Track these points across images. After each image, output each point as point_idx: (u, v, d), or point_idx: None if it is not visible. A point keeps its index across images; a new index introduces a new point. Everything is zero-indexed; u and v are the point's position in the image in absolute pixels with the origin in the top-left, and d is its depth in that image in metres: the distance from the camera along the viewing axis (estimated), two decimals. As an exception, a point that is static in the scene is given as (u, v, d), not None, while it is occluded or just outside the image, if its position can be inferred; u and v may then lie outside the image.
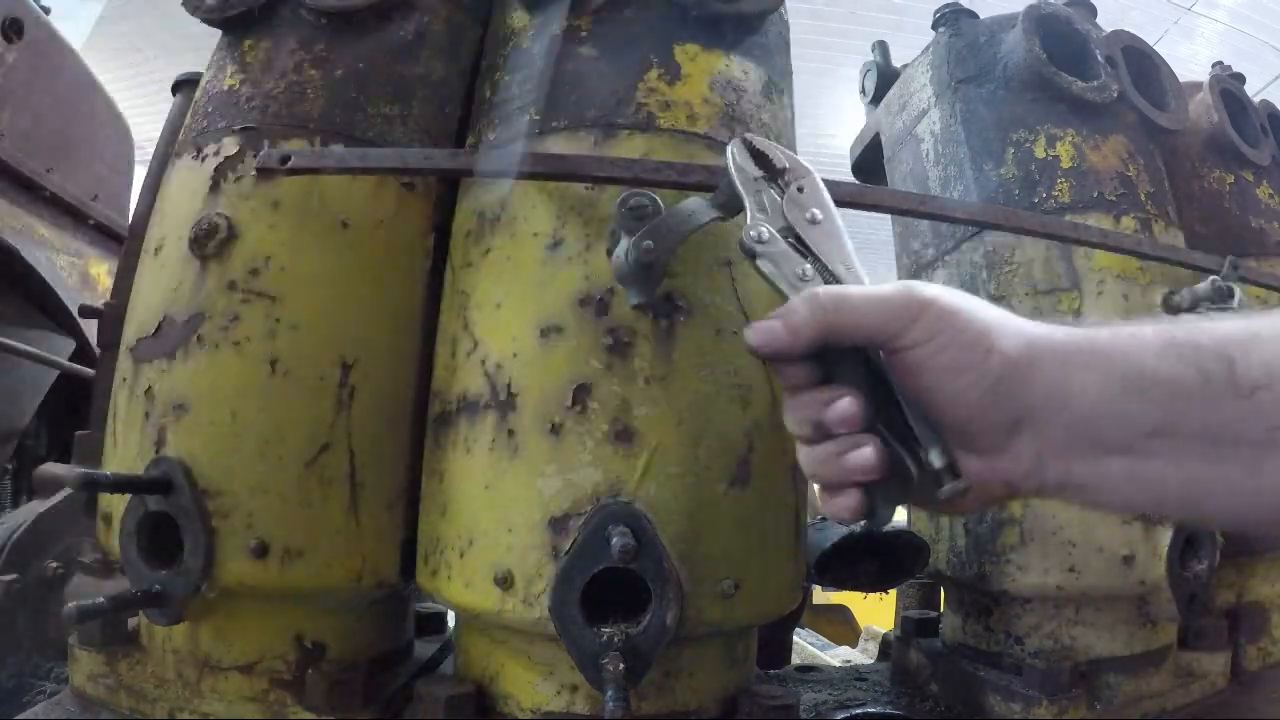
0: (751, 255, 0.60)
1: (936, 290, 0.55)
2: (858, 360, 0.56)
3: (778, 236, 0.61)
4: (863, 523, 0.59)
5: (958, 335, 0.52)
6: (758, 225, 0.61)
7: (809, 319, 0.55)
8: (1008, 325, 0.53)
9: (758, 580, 0.79)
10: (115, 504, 0.84)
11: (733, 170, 0.64)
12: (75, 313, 1.83)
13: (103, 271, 2.08)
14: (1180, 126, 1.24)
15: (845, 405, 0.53)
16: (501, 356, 0.80)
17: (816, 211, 0.62)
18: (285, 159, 0.79)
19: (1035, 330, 0.54)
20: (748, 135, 0.65)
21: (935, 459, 0.53)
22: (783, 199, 0.62)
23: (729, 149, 0.65)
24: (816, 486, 0.59)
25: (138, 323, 0.87)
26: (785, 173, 0.64)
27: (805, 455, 0.56)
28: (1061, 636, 1.02)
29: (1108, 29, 1.24)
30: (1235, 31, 7.05)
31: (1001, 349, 0.52)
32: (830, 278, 0.59)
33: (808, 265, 0.59)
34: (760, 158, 0.65)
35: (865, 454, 0.52)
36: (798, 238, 0.61)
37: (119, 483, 0.78)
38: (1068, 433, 0.52)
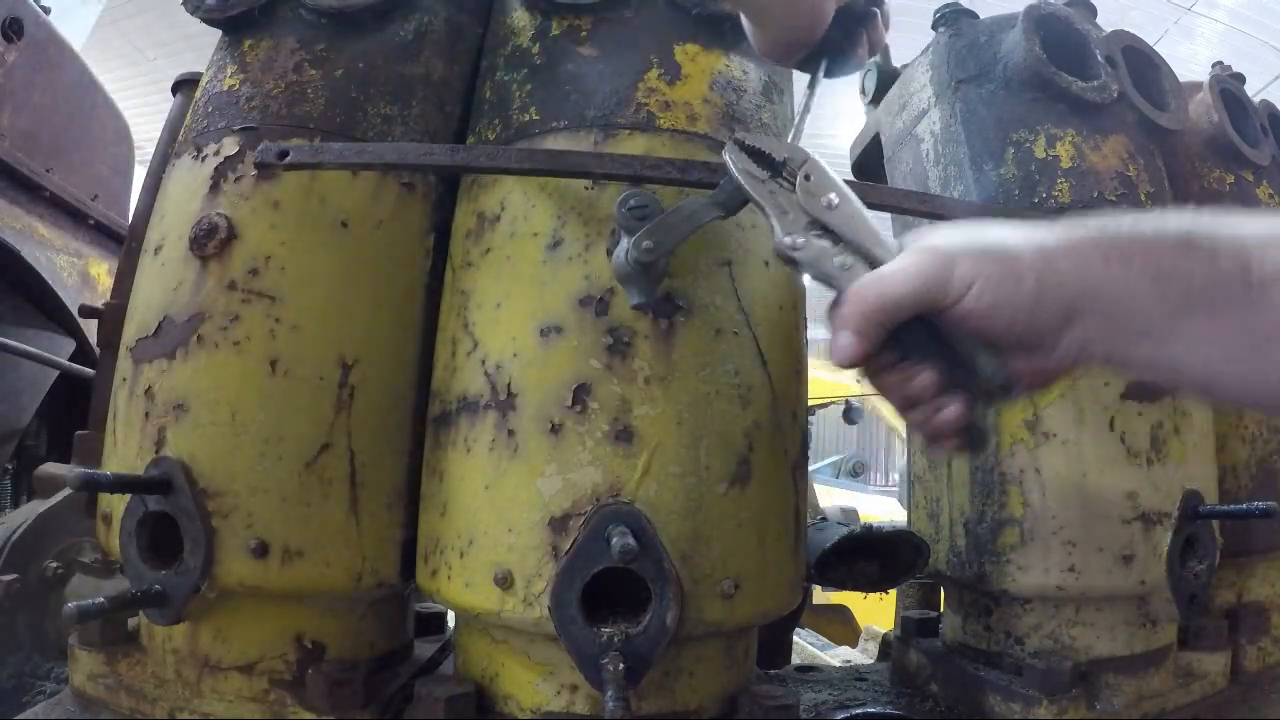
0: (792, 263, 0.62)
1: (955, 239, 0.59)
2: (918, 326, 0.59)
3: (809, 237, 0.62)
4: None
5: (988, 279, 0.57)
6: (788, 233, 0.62)
7: (863, 316, 0.59)
8: (1027, 246, 0.58)
9: (758, 580, 0.79)
10: (115, 504, 0.84)
11: (739, 177, 0.64)
12: (75, 313, 1.83)
13: (103, 271, 2.08)
14: (1180, 126, 1.24)
15: (923, 379, 0.61)
16: (501, 356, 0.80)
17: (832, 196, 0.63)
18: (283, 154, 0.79)
19: (1052, 240, 0.58)
20: (738, 137, 0.65)
21: (1003, 388, 0.60)
22: (796, 192, 0.63)
23: (726, 157, 0.65)
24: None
25: (138, 323, 0.87)
26: (786, 163, 0.64)
27: (906, 418, 0.66)
28: (1061, 636, 1.02)
29: (1108, 29, 1.24)
30: (1235, 31, 7.05)
31: (1030, 271, 0.57)
32: (867, 257, 0.61)
33: (844, 255, 0.62)
34: (759, 156, 0.65)
35: (952, 411, 0.61)
36: (823, 227, 0.62)
37: (119, 483, 0.78)
38: (1103, 320, 0.57)
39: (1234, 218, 0.56)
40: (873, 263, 0.61)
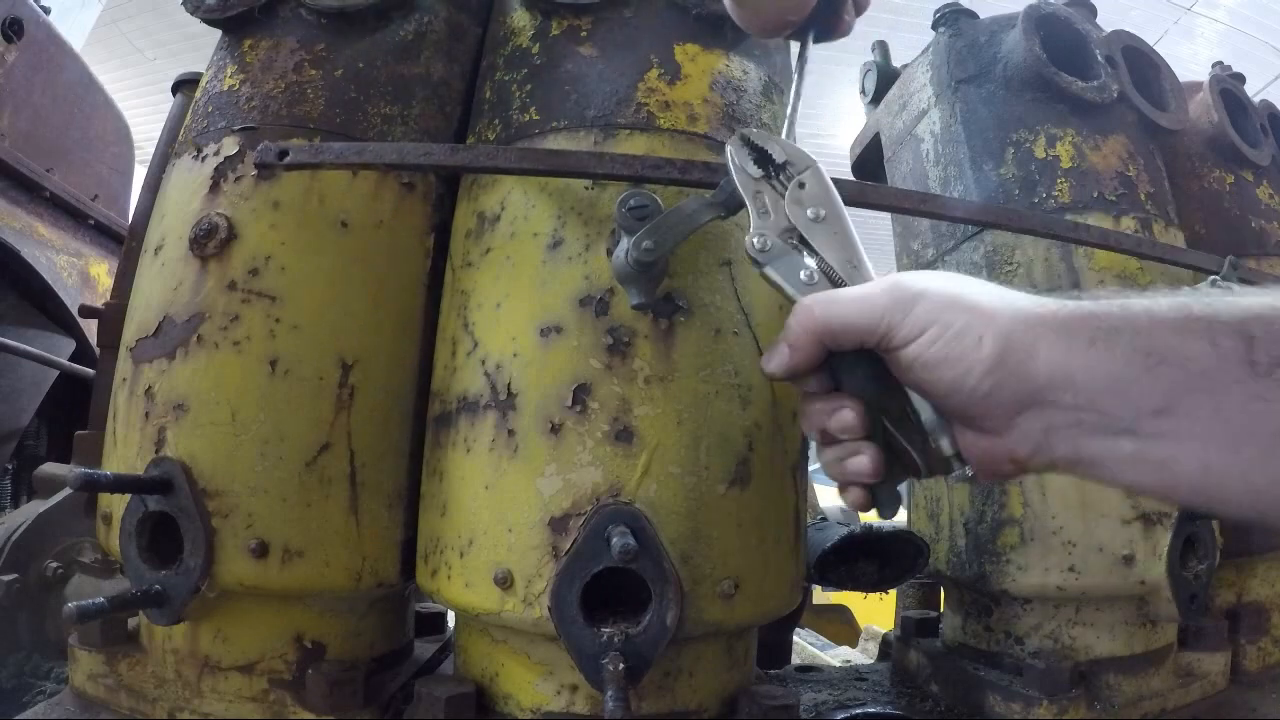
0: (756, 265, 0.61)
1: (925, 282, 0.54)
2: (860, 361, 0.56)
3: (780, 242, 0.60)
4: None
5: (946, 328, 0.52)
6: (759, 233, 0.61)
7: (803, 331, 0.56)
8: (1002, 308, 0.52)
9: (758, 580, 0.79)
10: (115, 504, 0.84)
11: (733, 172, 0.63)
12: (75, 313, 1.83)
13: (103, 271, 2.08)
14: (1180, 126, 1.24)
15: (844, 416, 0.56)
16: (501, 356, 0.80)
17: (820, 209, 0.61)
18: (283, 154, 0.79)
19: (1034, 308, 0.52)
20: (744, 131, 0.64)
21: (944, 448, 0.55)
22: (784, 197, 0.62)
23: (727, 148, 0.64)
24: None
25: (138, 323, 0.87)
26: (786, 166, 0.63)
27: (820, 456, 0.60)
28: (1061, 636, 1.02)
29: (1108, 29, 1.24)
30: (1235, 31, 7.05)
31: (995, 333, 0.51)
32: (835, 277, 0.59)
33: (813, 268, 0.60)
34: (759, 153, 0.64)
35: (860, 461, 0.56)
36: (801, 238, 0.61)
37: (119, 483, 0.78)
38: (1075, 411, 0.50)
39: (1234, 294, 0.49)
40: (838, 285, 0.59)
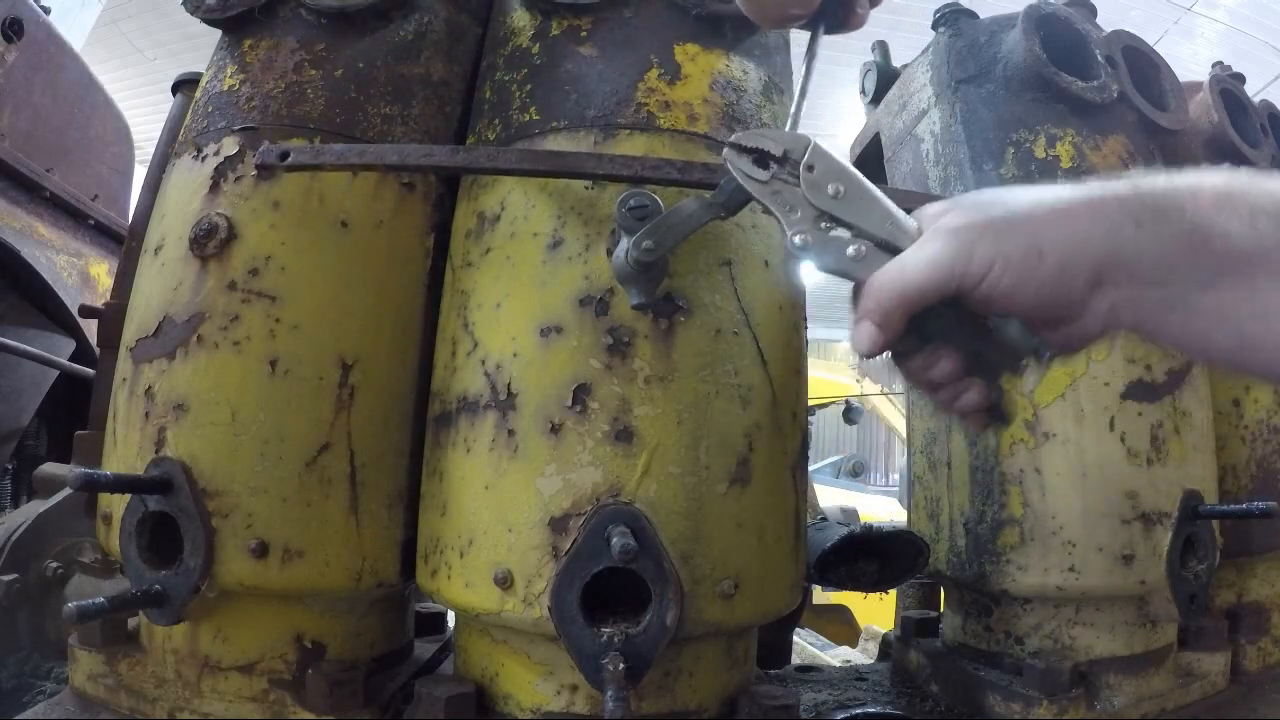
0: (803, 260, 0.62)
1: (971, 217, 0.57)
2: (941, 312, 0.58)
3: (818, 231, 0.61)
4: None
5: (1009, 259, 0.55)
6: (797, 231, 0.61)
7: (885, 307, 0.58)
8: (1047, 208, 0.56)
9: (758, 580, 0.79)
10: (115, 504, 0.84)
11: (742, 182, 0.63)
12: (75, 313, 1.83)
13: (103, 271, 2.08)
14: (1180, 126, 1.24)
15: (943, 367, 0.61)
16: (501, 356, 0.80)
17: (839, 185, 0.61)
18: (284, 155, 0.79)
19: (1078, 196, 0.56)
20: (735, 139, 0.64)
21: (1037, 358, 0.60)
22: (800, 186, 0.62)
23: (726, 162, 0.64)
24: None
25: (138, 323, 0.87)
26: (787, 156, 0.63)
27: (931, 400, 0.65)
28: (1061, 636, 1.02)
29: (1108, 29, 1.24)
30: (1235, 31, 7.05)
31: (1051, 245, 0.55)
32: (881, 241, 0.60)
33: (858, 243, 0.60)
34: (757, 154, 0.63)
35: (971, 398, 0.62)
36: (833, 218, 0.61)
37: (119, 483, 0.78)
38: (1130, 289, 0.55)
39: (1273, 176, 0.54)
40: (888, 248, 0.60)
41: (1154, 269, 0.54)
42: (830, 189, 0.61)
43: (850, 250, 0.60)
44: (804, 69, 0.77)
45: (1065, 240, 0.55)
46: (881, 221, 0.60)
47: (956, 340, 0.60)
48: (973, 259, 0.55)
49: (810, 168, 0.62)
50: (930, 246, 0.57)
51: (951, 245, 0.56)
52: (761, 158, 0.63)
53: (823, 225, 0.61)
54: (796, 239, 0.61)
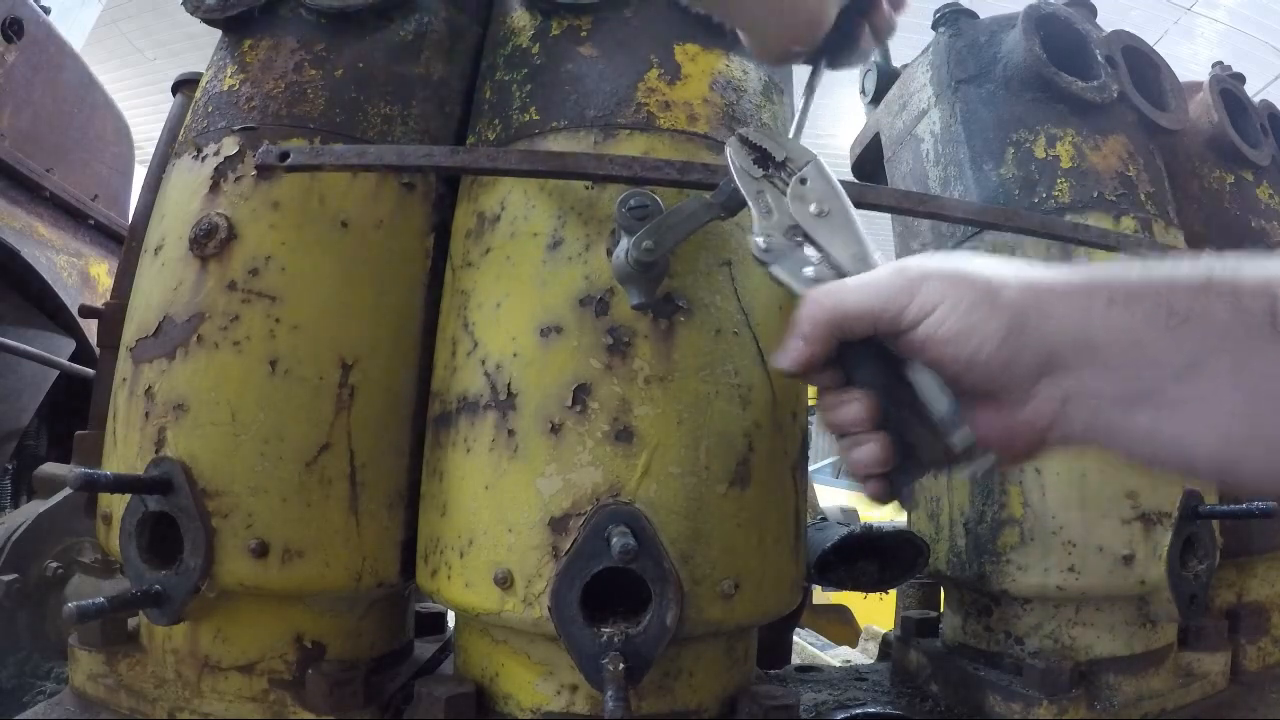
0: (762, 264, 0.61)
1: (930, 263, 0.54)
2: (869, 351, 0.56)
3: (784, 240, 0.60)
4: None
5: (956, 303, 0.51)
6: (763, 233, 0.61)
7: (813, 322, 0.55)
8: (1013, 279, 0.51)
9: (758, 580, 0.79)
10: (115, 504, 0.84)
11: (733, 172, 0.64)
12: (75, 313, 1.83)
13: (103, 271, 2.08)
14: (1180, 126, 1.24)
15: (852, 410, 0.55)
16: (501, 356, 0.80)
17: (824, 204, 0.61)
18: (284, 156, 0.79)
19: (1048, 276, 0.51)
20: (742, 131, 0.64)
21: (957, 441, 0.53)
22: (786, 195, 0.62)
23: (726, 149, 0.64)
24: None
25: (138, 323, 0.87)
26: (786, 163, 0.63)
27: (838, 447, 0.59)
28: (1061, 636, 1.02)
29: (1108, 29, 1.24)
30: (1235, 31, 7.05)
31: (1007, 302, 0.50)
32: (842, 271, 0.58)
33: (818, 264, 0.59)
34: (759, 153, 0.64)
35: (868, 450, 0.55)
36: (805, 234, 0.60)
37: (119, 483, 0.78)
38: (1094, 376, 0.48)
39: (1259, 258, 0.47)
40: (844, 277, 0.58)
41: (1124, 354, 0.47)
42: (814, 207, 0.61)
43: (809, 270, 0.59)
44: (802, 103, 0.77)
45: (1023, 301, 0.50)
46: (852, 255, 0.59)
47: (878, 386, 0.56)
48: (916, 295, 0.51)
49: (803, 180, 0.62)
50: (875, 274, 0.55)
51: (899, 279, 0.53)
52: (762, 157, 0.63)
53: (793, 238, 0.60)
54: (760, 240, 0.61)
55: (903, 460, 0.55)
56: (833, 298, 0.55)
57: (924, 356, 0.53)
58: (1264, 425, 0.44)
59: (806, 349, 0.55)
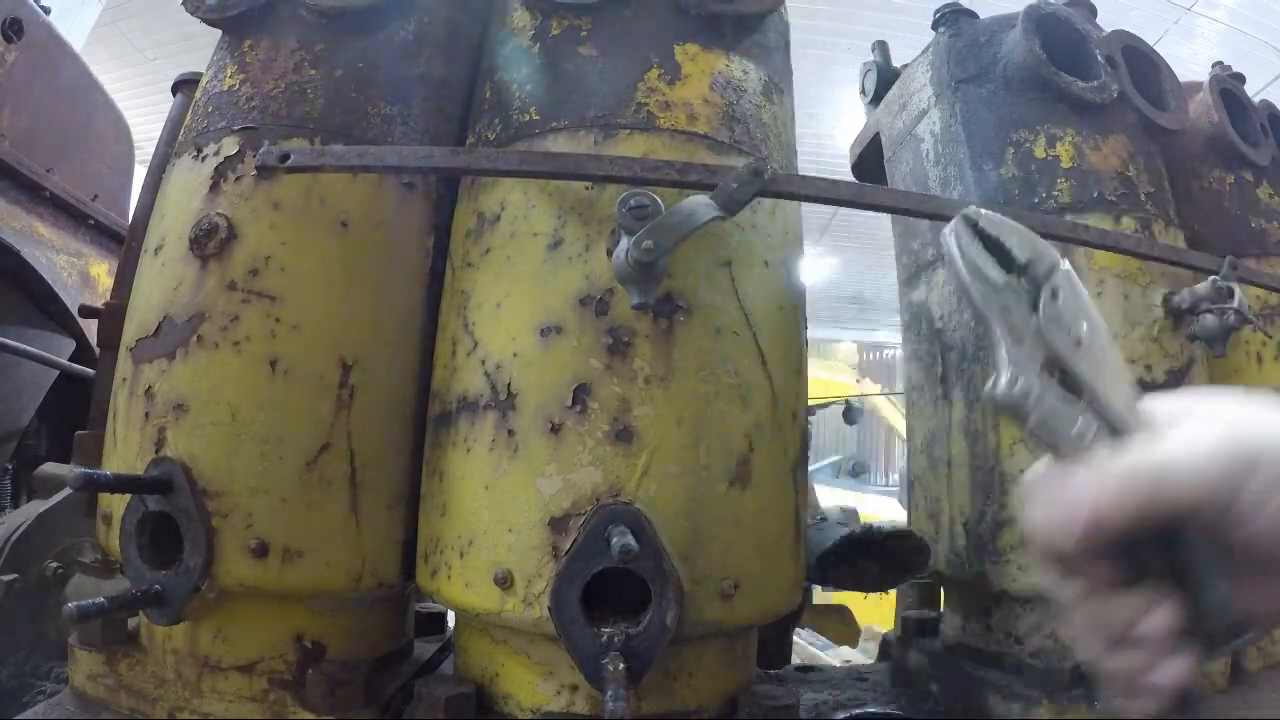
0: (1020, 419, 0.44)
1: (1267, 429, 0.42)
2: (1164, 537, 0.43)
3: (1041, 379, 0.44)
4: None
5: None
6: (1019, 371, 0.44)
7: (1122, 503, 0.41)
8: None
9: (758, 580, 0.79)
10: (115, 504, 0.84)
11: (966, 276, 0.46)
12: (75, 313, 1.83)
13: (103, 271, 2.08)
14: (1180, 126, 1.24)
15: (1161, 619, 0.43)
16: (501, 356, 0.80)
17: (1080, 329, 0.45)
18: (285, 157, 0.79)
19: None
20: (972, 211, 0.47)
21: (1232, 624, 0.44)
22: (1038, 314, 0.45)
23: (949, 240, 0.46)
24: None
25: (138, 323, 0.87)
26: (1029, 267, 0.46)
27: (1110, 658, 0.46)
28: (1061, 636, 1.02)
29: (1108, 29, 1.24)
30: (1235, 31, 7.05)
31: None
32: (1112, 425, 0.44)
33: (1084, 416, 0.44)
34: (996, 250, 0.46)
35: (1179, 668, 0.43)
36: (1063, 370, 0.45)
37: (119, 483, 0.78)
38: None
39: None
40: (1116, 432, 0.44)
41: None
42: (1074, 333, 0.45)
43: (1077, 428, 0.44)
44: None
45: None
46: (1116, 393, 0.44)
47: (1171, 587, 0.43)
48: (1254, 476, 0.40)
49: (1054, 294, 0.45)
50: (1205, 443, 0.41)
51: (1235, 453, 0.40)
52: (1002, 254, 0.46)
53: (1047, 375, 0.44)
54: (1018, 384, 0.44)
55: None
56: (1157, 473, 0.41)
57: (1238, 555, 0.42)
58: None
59: (1093, 529, 0.42)
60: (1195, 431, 0.42)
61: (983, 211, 0.47)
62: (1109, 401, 0.44)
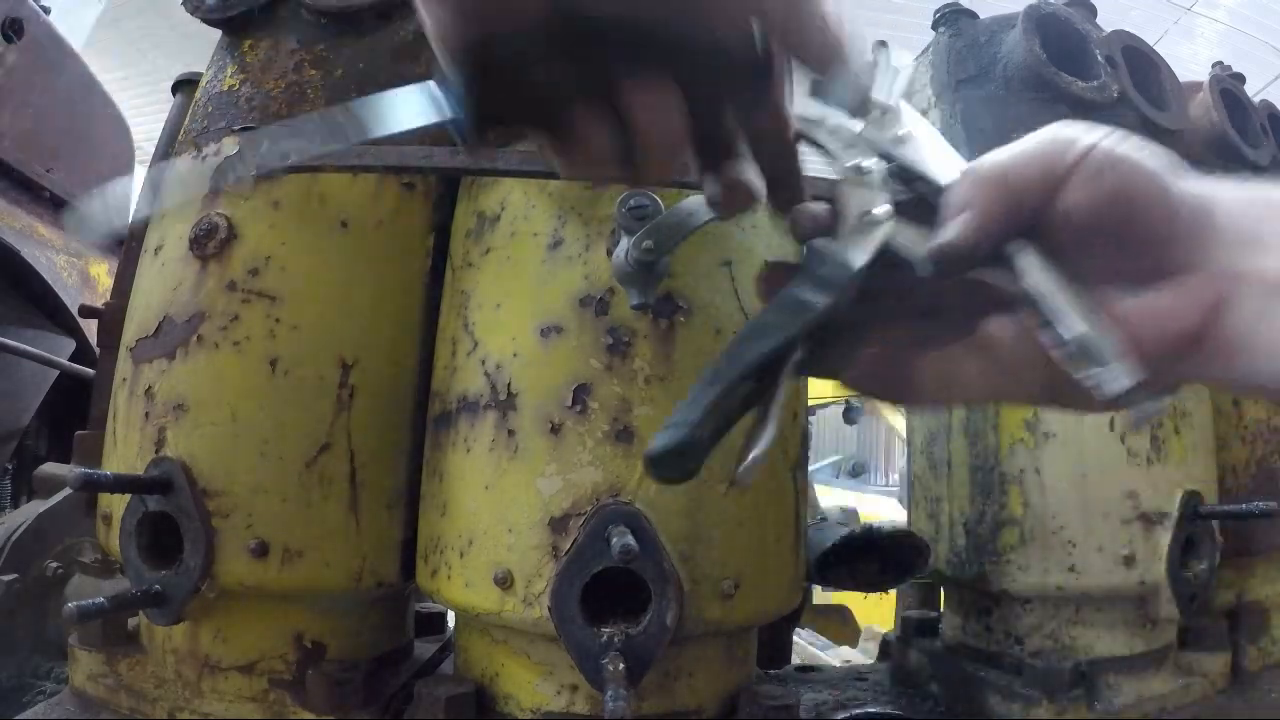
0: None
1: (1080, 129, 0.43)
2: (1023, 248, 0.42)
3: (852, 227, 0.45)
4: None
5: (1118, 163, 0.41)
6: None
7: (982, 187, 0.42)
8: (1184, 175, 0.42)
9: (758, 580, 0.79)
10: (115, 504, 0.84)
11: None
12: (75, 313, 1.83)
13: (103, 271, 2.08)
14: (1180, 126, 1.24)
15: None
16: (501, 356, 0.80)
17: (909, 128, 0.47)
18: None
19: (1239, 187, 0.43)
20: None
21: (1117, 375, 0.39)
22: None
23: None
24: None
25: (138, 323, 0.87)
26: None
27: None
28: (1061, 636, 1.02)
29: (1108, 29, 1.24)
30: (1235, 31, 7.05)
31: (1175, 177, 0.42)
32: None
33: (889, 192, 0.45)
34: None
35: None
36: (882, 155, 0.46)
37: (119, 483, 0.78)
38: (1265, 257, 0.39)
39: None
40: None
41: None
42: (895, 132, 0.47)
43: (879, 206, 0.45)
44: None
45: (1202, 189, 0.41)
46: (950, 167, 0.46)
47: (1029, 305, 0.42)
48: (1070, 151, 0.41)
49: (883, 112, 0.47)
50: (1029, 140, 0.43)
51: (1051, 138, 0.42)
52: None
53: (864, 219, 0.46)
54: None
55: None
56: (991, 160, 0.43)
57: (1068, 230, 0.41)
58: None
59: (980, 218, 0.42)
60: (1026, 139, 0.43)
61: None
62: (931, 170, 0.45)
